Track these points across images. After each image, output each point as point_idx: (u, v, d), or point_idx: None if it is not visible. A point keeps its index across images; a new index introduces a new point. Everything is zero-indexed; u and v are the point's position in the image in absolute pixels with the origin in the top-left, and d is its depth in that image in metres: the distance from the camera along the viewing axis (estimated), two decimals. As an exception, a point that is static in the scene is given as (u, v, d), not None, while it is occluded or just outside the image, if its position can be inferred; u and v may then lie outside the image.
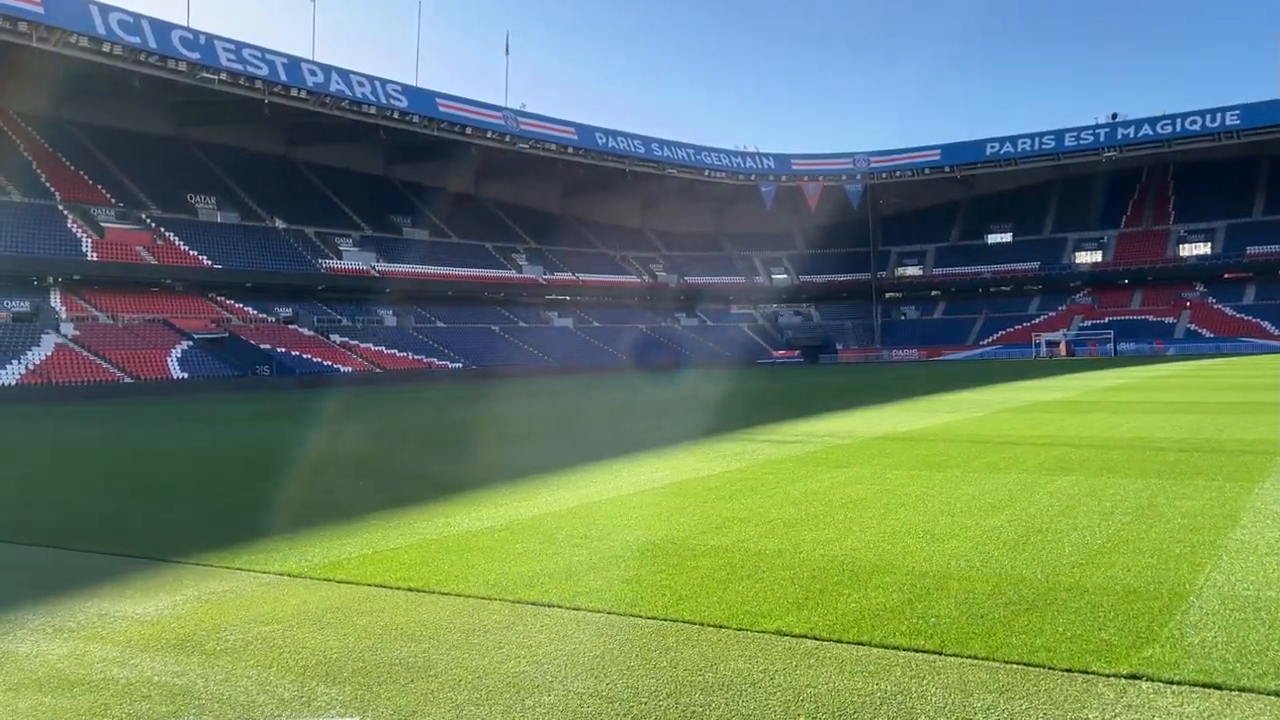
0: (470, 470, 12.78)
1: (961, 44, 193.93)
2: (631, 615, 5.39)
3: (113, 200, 62.62)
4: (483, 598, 5.91)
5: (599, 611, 5.49)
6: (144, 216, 63.23)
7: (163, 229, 63.04)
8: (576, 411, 25.00)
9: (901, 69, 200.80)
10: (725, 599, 5.63)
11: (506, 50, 75.36)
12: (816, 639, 4.83)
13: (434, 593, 6.09)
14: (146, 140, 68.33)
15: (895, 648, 4.66)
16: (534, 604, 5.72)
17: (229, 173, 72.45)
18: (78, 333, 52.02)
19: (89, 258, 56.50)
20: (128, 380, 49.52)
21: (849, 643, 4.75)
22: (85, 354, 50.13)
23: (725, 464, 11.94)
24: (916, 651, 4.59)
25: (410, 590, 6.18)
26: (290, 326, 63.94)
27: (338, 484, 11.77)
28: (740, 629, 5.06)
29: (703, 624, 5.17)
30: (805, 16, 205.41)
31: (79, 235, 57.18)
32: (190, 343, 56.31)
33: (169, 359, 53.65)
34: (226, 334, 59.20)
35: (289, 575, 6.75)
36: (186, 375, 52.50)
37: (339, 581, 6.50)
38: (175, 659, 4.98)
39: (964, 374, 43.34)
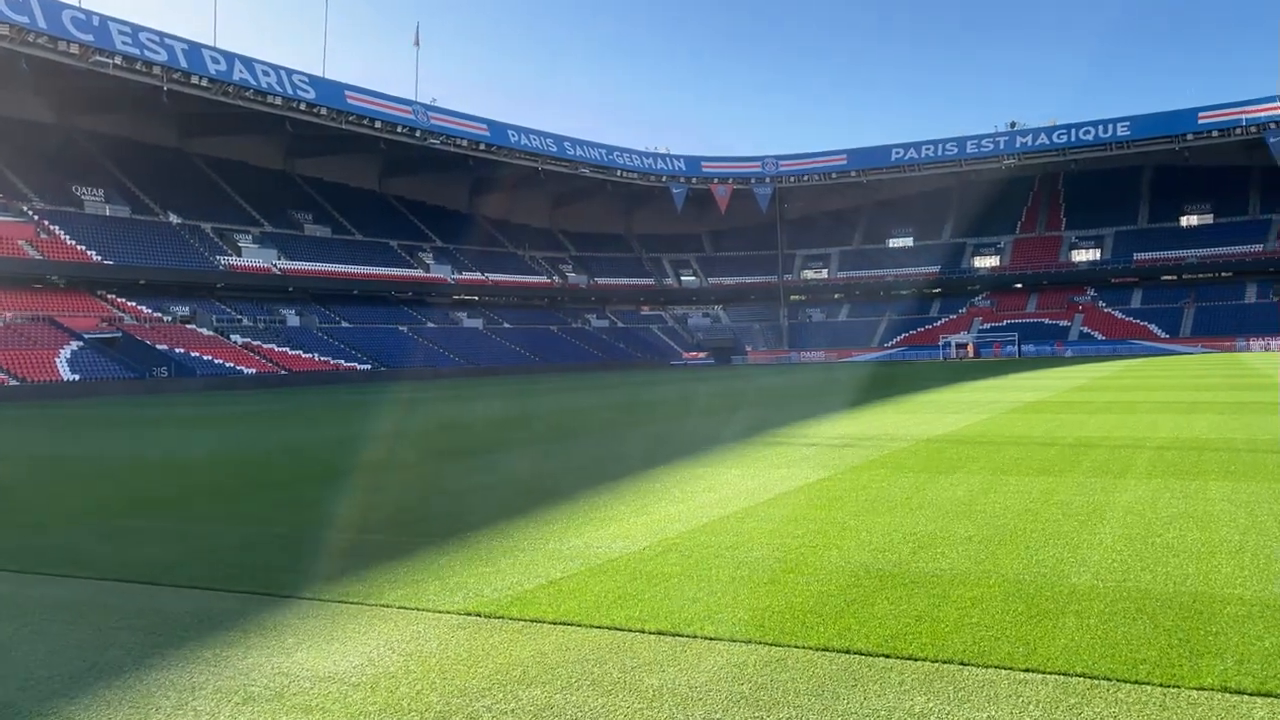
0: (533, 477, 11.54)
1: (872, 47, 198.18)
2: (1019, 670, 4.39)
3: (-9, 190, 58.26)
4: (772, 644, 4.84)
5: (966, 665, 4.47)
6: (25, 209, 58.97)
7: (47, 222, 58.89)
8: (574, 413, 23.73)
9: (810, 73, 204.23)
10: (1091, 644, 4.70)
11: (416, 42, 73.25)
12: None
13: (696, 637, 4.99)
14: (27, 128, 63.75)
15: None
16: (863, 654, 4.68)
17: (118, 164, 68.26)
18: (-44, 332, 48.05)
19: (-34, 251, 52.31)
20: (13, 383, 45.89)
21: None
22: (-34, 355, 46.28)
23: (812, 471, 11.02)
24: None
25: (660, 634, 5.06)
26: (188, 326, 60.53)
27: (399, 497, 10.39)
28: (1168, 685, 4.13)
29: (1132, 681, 4.20)
30: (721, 18, 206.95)
31: (-45, 227, 52.89)
32: (80, 343, 52.66)
33: (58, 360, 50.01)
34: (120, 333, 55.60)
35: (478, 615, 5.54)
36: (78, 377, 49.01)
37: (552, 623, 5.33)
38: (465, 743, 3.80)
39: (903, 375, 43.52)
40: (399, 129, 70.50)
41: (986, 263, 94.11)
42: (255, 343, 61.10)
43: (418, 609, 5.73)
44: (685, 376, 53.34)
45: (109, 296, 59.45)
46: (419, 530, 8.28)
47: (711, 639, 4.95)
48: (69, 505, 10.56)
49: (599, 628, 5.22)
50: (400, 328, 73.56)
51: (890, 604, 5.44)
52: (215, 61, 58.82)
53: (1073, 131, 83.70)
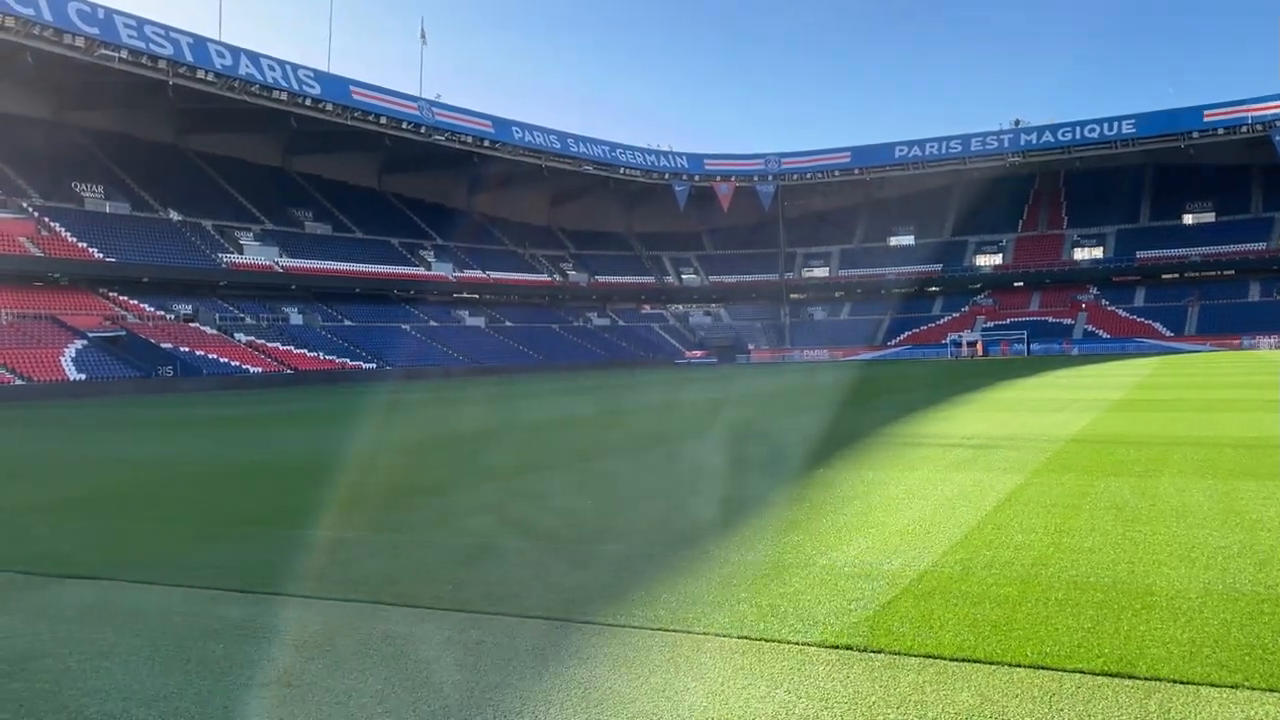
0: (689, 481, 10.75)
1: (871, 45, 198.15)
2: None
3: (-10, 186, 56.88)
4: (1269, 689, 4.09)
5: None
6: (25, 205, 57.62)
7: (47, 219, 57.55)
8: (646, 412, 22.92)
9: (814, 71, 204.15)
10: None
11: (422, 38, 72.07)
12: None
13: (1159, 679, 4.21)
14: (22, 123, 62.26)
15: None
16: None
17: (116, 160, 66.88)
18: (-42, 331, 46.75)
19: (-34, 248, 50.97)
20: (19, 382, 44.69)
21: None
22: (-30, 354, 45.02)
23: (999, 476, 10.26)
24: None
25: (1108, 676, 4.28)
26: (191, 325, 59.36)
27: (565, 502, 9.54)
28: None
29: None
30: (725, 17, 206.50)
31: (-45, 223, 51.54)
32: (84, 342, 51.45)
33: (62, 359, 48.81)
34: (124, 332, 54.42)
35: (847, 648, 4.74)
36: (84, 377, 47.84)
37: (952, 660, 4.54)
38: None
39: (932, 374, 42.94)
40: (404, 125, 69.44)
41: (988, 261, 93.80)
42: (259, 341, 60.00)
43: (763, 639, 4.93)
44: (706, 375, 52.61)
45: (111, 294, 58.18)
46: (639, 540, 7.49)
47: (1180, 682, 4.19)
48: (219, 513, 9.67)
49: (1019, 666, 4.44)
50: (403, 326, 72.57)
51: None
52: (221, 56, 57.65)
53: (1078, 129, 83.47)
